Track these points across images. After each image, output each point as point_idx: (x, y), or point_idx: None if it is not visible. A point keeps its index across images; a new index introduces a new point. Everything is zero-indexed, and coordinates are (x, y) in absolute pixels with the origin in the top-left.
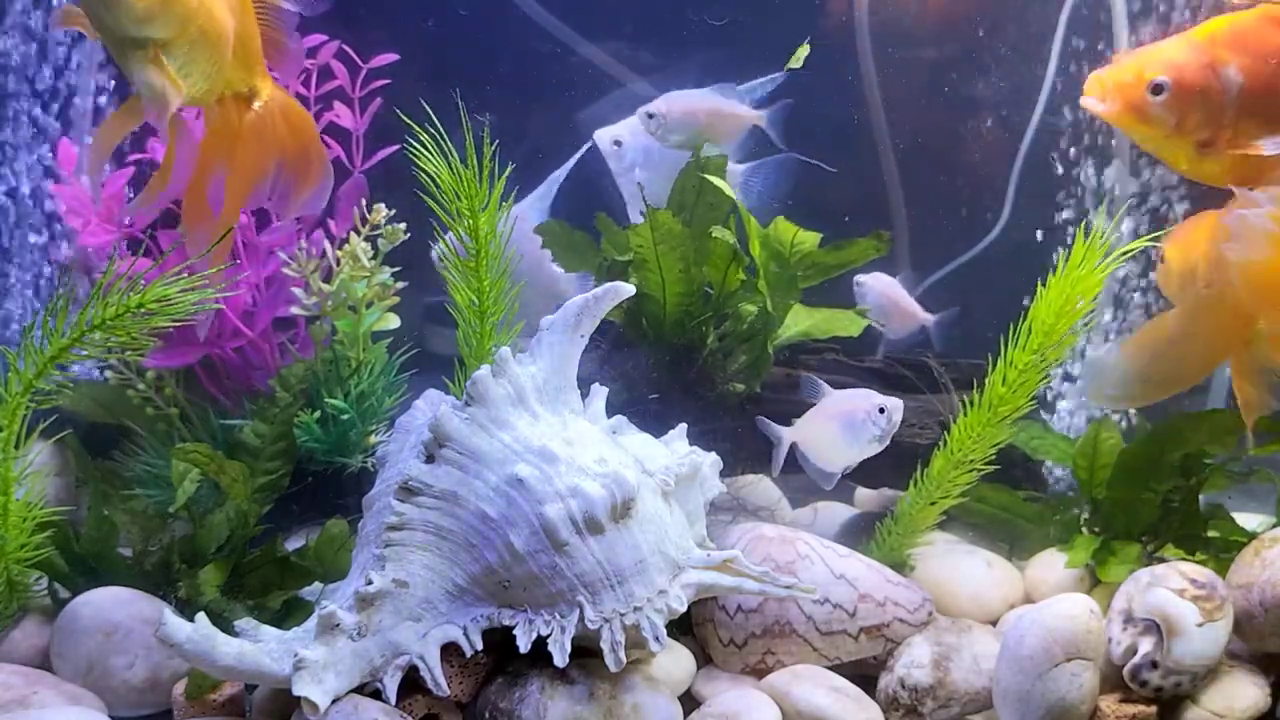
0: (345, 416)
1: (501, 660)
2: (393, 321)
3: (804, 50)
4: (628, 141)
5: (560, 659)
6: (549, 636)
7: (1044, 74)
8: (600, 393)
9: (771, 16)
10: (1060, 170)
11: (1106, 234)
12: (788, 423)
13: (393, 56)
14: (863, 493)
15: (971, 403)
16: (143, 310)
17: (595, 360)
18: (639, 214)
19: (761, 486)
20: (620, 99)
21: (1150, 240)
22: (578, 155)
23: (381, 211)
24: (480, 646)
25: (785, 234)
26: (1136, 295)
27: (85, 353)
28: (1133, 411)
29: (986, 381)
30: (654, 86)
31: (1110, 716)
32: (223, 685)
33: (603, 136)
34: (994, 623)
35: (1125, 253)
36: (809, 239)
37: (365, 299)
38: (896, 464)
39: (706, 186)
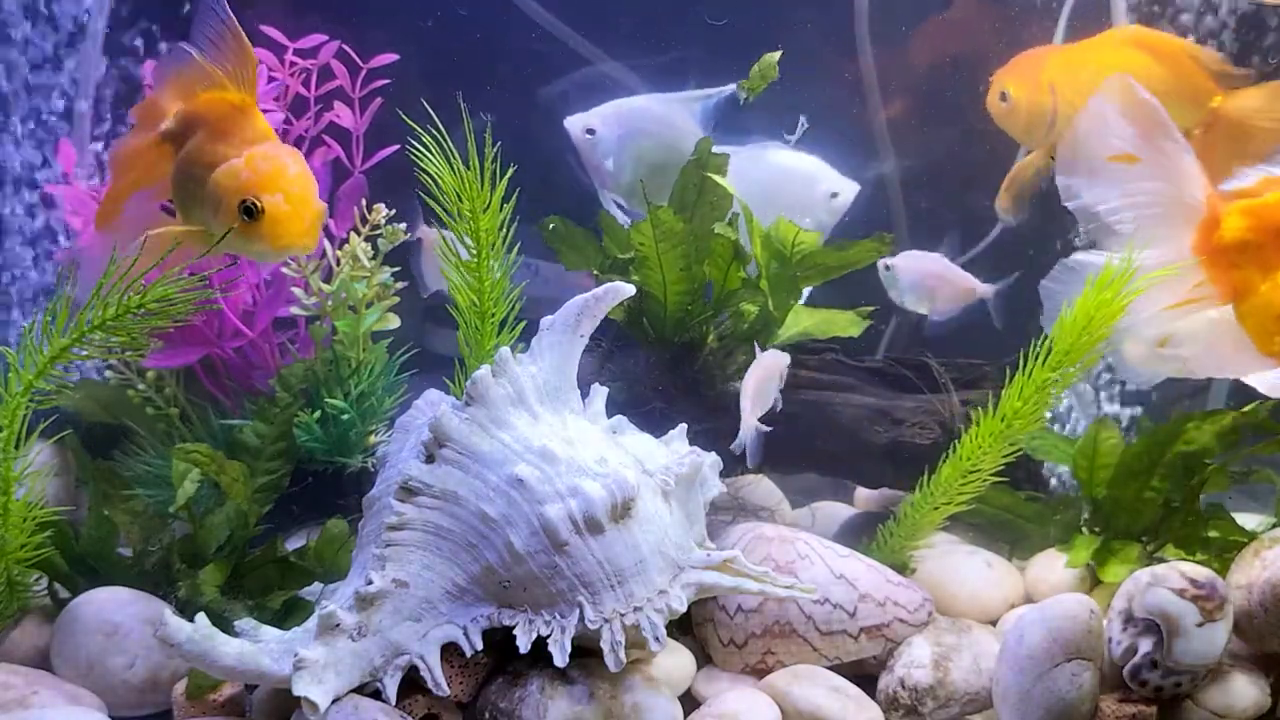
0: (345, 416)
1: (501, 660)
2: (393, 321)
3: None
4: (601, 130)
5: (560, 659)
6: (549, 636)
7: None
8: (600, 393)
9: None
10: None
11: (1134, 258)
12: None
13: (392, 56)
14: (862, 493)
15: (976, 405)
16: (143, 310)
17: (596, 359)
18: (613, 207)
19: (762, 486)
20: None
21: (1170, 271)
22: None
23: (381, 211)
24: (480, 646)
25: (786, 233)
26: None
27: (85, 353)
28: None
29: (1003, 394)
30: (643, 79)
31: (1110, 716)
32: (223, 685)
33: (574, 124)
34: (994, 623)
35: (1150, 279)
36: (810, 238)
37: (365, 299)
38: (896, 464)
39: (708, 185)
